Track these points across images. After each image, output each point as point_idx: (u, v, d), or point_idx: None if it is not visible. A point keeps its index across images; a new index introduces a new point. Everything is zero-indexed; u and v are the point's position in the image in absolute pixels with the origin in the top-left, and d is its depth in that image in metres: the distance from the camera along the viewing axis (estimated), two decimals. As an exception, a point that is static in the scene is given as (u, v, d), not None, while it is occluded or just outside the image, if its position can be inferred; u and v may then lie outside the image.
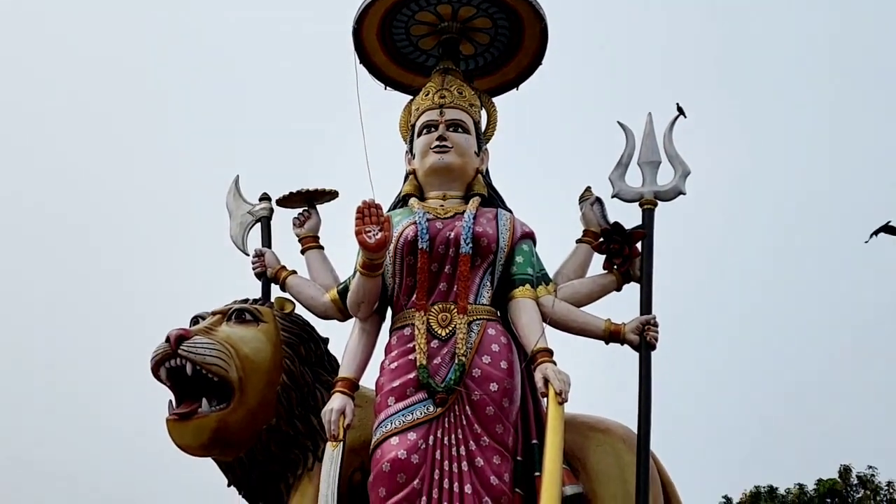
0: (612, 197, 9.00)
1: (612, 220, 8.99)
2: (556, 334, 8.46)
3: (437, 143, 8.82)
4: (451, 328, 8.25)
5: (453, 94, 9.13)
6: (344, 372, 8.43)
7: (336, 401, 8.05)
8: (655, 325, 8.33)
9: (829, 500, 19.83)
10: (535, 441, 8.10)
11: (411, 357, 8.15)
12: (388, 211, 8.67)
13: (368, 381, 8.57)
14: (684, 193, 8.82)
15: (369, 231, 7.88)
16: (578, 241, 9.24)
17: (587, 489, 8.14)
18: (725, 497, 22.08)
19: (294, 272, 9.29)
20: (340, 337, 8.87)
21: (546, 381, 7.73)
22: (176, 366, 7.85)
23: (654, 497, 8.09)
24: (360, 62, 9.85)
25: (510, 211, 9.09)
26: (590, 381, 8.84)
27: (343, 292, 8.77)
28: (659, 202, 8.77)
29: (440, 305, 8.39)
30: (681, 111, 9.01)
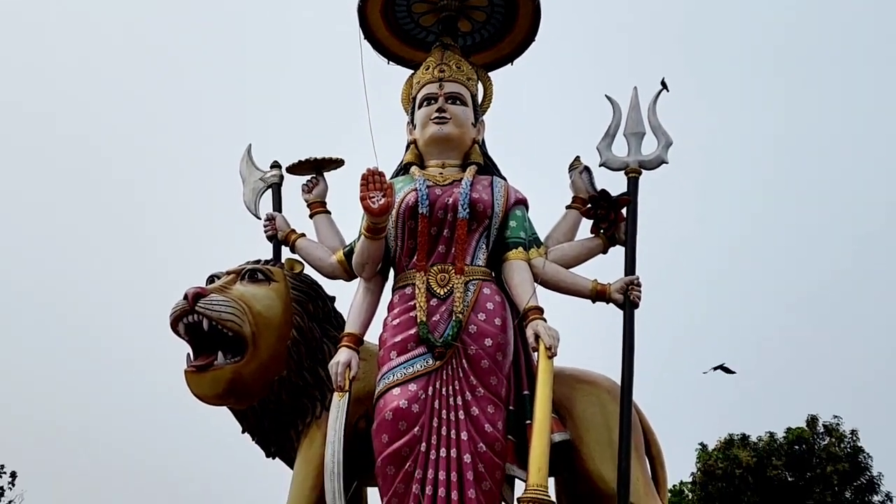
0: (600, 166, 8.95)
1: (599, 187, 8.93)
2: (546, 294, 8.42)
3: (436, 114, 8.76)
4: (449, 287, 8.22)
5: (452, 69, 9.05)
6: (349, 328, 8.39)
7: (342, 354, 8.03)
8: (638, 285, 8.31)
9: (796, 447, 19.88)
10: (526, 392, 8.11)
11: (412, 314, 8.12)
12: (391, 178, 8.57)
13: (372, 336, 8.52)
14: (667, 163, 8.80)
15: (373, 197, 7.84)
16: (568, 207, 9.17)
17: (574, 436, 8.14)
18: (701, 444, 22.15)
19: (303, 235, 9.22)
20: (346, 295, 8.84)
21: (537, 337, 7.74)
22: (193, 321, 7.81)
23: (636, 443, 8.10)
24: (365, 38, 9.73)
25: (504, 178, 9.00)
26: (577, 338, 8.78)
27: (349, 254, 8.71)
28: (643, 171, 8.73)
29: (439, 266, 8.34)
30: (664, 86, 8.97)
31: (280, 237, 9.26)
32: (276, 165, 9.78)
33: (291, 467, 8.37)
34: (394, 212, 8.28)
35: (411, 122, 9.22)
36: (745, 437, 21.68)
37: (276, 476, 8.66)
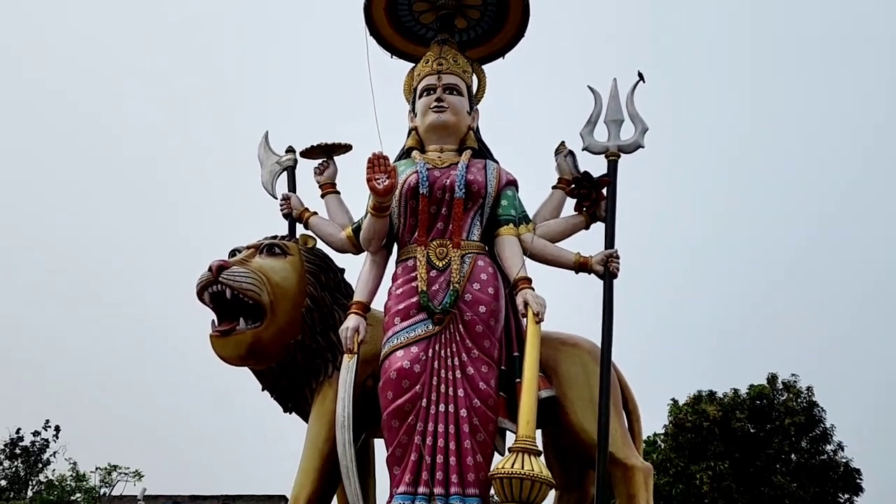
0: (583, 150, 8.92)
1: (582, 169, 8.96)
2: (534, 265, 8.44)
3: (435, 103, 8.75)
4: (446, 260, 8.25)
5: (449, 62, 9.01)
6: (357, 296, 8.45)
7: (351, 320, 8.10)
8: (617, 257, 8.31)
9: (758, 402, 20.01)
10: (516, 354, 8.17)
11: (414, 284, 8.15)
12: (394, 162, 8.58)
13: (378, 304, 8.56)
14: (643, 147, 8.78)
15: (378, 178, 7.88)
16: (554, 188, 9.20)
17: (559, 392, 8.20)
18: (672, 399, 22.26)
19: (315, 213, 9.23)
20: (354, 267, 8.88)
21: (526, 304, 7.81)
22: (217, 291, 7.82)
23: (614, 399, 8.14)
24: (370, 34, 9.73)
25: (497, 162, 9.00)
26: (562, 305, 8.83)
27: (357, 230, 8.70)
28: (622, 154, 8.70)
29: (438, 241, 8.36)
30: (641, 77, 8.95)
31: (294, 215, 9.27)
32: (290, 150, 9.78)
33: (306, 421, 8.42)
34: (397, 192, 8.28)
35: (412, 110, 9.18)
36: (712, 394, 21.81)
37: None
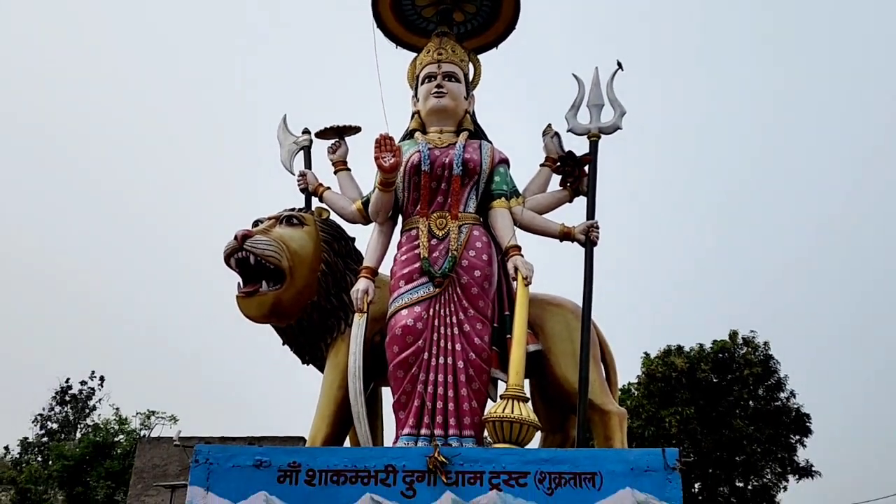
0: (567, 131, 8.90)
1: (566, 149, 8.92)
2: (523, 235, 8.45)
3: (435, 89, 8.73)
4: (446, 230, 8.26)
5: (448, 52, 8.97)
6: (367, 262, 8.47)
7: (361, 283, 8.13)
8: (597, 227, 8.32)
9: (721, 355, 20.18)
10: (507, 313, 8.20)
11: (417, 251, 8.17)
12: (399, 142, 8.58)
13: (385, 269, 8.57)
14: (621, 128, 8.79)
15: (385, 157, 7.93)
16: (541, 165, 9.16)
17: (544, 347, 8.25)
18: (645, 353, 22.42)
19: (328, 188, 9.23)
20: (363, 236, 8.87)
21: (516, 269, 7.86)
22: (242, 257, 7.85)
23: (593, 353, 8.19)
24: (377, 27, 9.64)
25: (490, 142, 8.97)
26: (549, 270, 8.86)
27: (366, 203, 8.73)
28: (602, 135, 8.70)
29: (438, 213, 8.37)
30: (620, 66, 8.94)
31: (310, 189, 9.27)
32: (306, 131, 9.76)
33: (322, 372, 8.46)
34: (401, 169, 8.29)
35: (415, 95, 9.13)
36: (679, 347, 21.86)
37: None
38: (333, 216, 8.96)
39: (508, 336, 7.87)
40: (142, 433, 25.74)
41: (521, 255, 8.10)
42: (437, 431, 7.58)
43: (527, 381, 7.85)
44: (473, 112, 9.24)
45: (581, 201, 8.70)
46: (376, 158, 8.01)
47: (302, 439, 8.56)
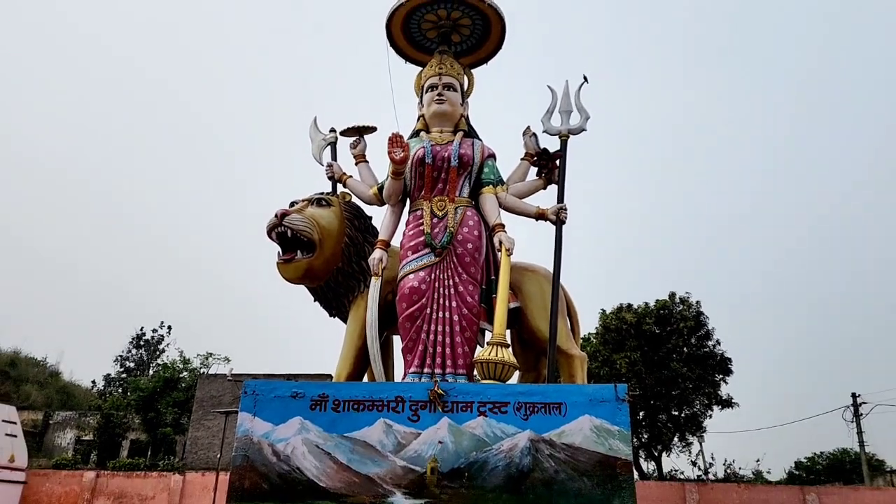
0: (542, 132, 8.86)
1: (542, 146, 8.89)
2: (508, 215, 8.45)
3: (437, 97, 8.72)
4: (444, 211, 8.25)
5: (447, 67, 8.94)
6: (381, 236, 8.46)
7: (377, 253, 8.15)
8: (565, 209, 8.31)
9: (662, 311, 20.28)
10: (493, 277, 8.21)
11: (421, 227, 8.17)
12: (407, 139, 8.54)
13: (395, 241, 8.56)
14: (586, 130, 8.75)
15: (395, 151, 7.93)
16: (521, 159, 9.12)
17: (522, 304, 8.29)
18: (602, 309, 22.59)
19: (350, 176, 9.18)
20: (379, 215, 8.87)
21: (500, 242, 7.90)
22: (281, 231, 7.87)
23: (561, 309, 8.24)
24: (390, 46, 9.62)
25: (481, 140, 8.92)
26: (527, 244, 8.86)
27: (380, 189, 8.70)
28: (570, 135, 8.66)
29: (438, 197, 8.35)
30: (585, 79, 8.87)
31: (336, 177, 9.20)
32: (332, 130, 9.67)
33: (346, 323, 8.50)
34: (409, 162, 8.29)
35: (420, 102, 9.07)
36: (629, 305, 21.91)
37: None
38: (354, 199, 8.94)
39: (494, 295, 7.90)
40: (201, 371, 25.88)
41: (505, 231, 8.12)
42: (437, 370, 7.64)
43: (508, 331, 7.87)
44: (468, 116, 9.17)
45: (553, 189, 8.67)
46: (389, 153, 7.99)
47: (329, 376, 8.61)
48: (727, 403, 20.97)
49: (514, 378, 7.69)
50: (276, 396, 7.05)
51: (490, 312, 7.93)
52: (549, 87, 8.98)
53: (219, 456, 17.39)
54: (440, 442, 6.64)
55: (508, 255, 7.83)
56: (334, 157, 9.51)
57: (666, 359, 20.34)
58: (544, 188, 8.88)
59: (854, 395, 24.00)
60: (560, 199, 8.38)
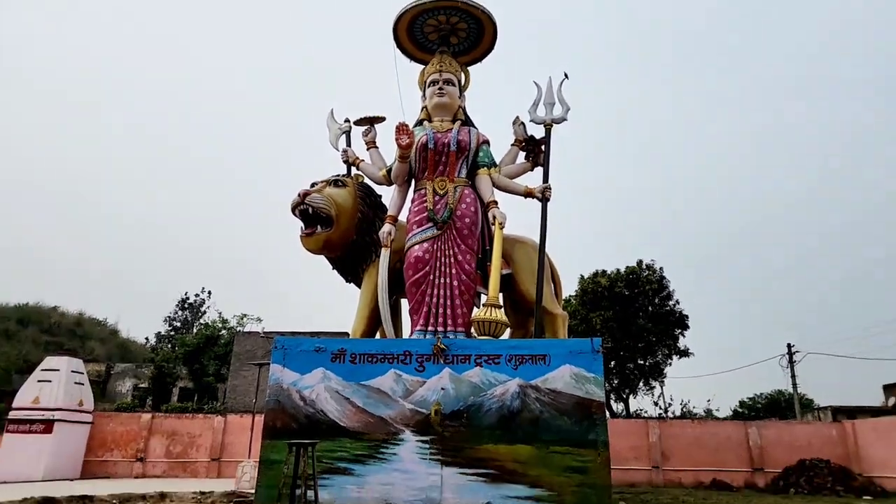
0: (530, 121, 8.68)
1: (529, 133, 8.76)
2: (500, 193, 8.32)
3: (437, 91, 8.62)
4: (445, 190, 8.17)
5: (447, 65, 8.81)
6: (390, 212, 8.35)
7: (386, 227, 8.06)
8: (549, 188, 8.17)
9: (630, 276, 20.17)
10: (487, 247, 8.15)
11: (425, 204, 8.10)
12: (413, 127, 8.38)
13: (402, 217, 8.46)
14: (567, 120, 8.60)
15: (402, 138, 7.81)
16: (511, 145, 8.97)
17: (513, 271, 8.24)
18: (581, 275, 22.62)
19: (363, 160, 9.07)
20: (388, 194, 8.75)
21: (494, 217, 7.85)
22: (303, 209, 7.81)
23: (546, 275, 8.14)
24: (397, 47, 9.42)
25: (476, 128, 8.80)
26: (517, 217, 8.77)
27: (389, 171, 8.57)
28: (554, 124, 8.52)
29: (440, 178, 8.25)
30: (566, 76, 8.72)
31: (350, 161, 9.06)
32: (347, 120, 9.52)
33: (359, 288, 8.46)
34: (414, 147, 8.17)
35: (423, 95, 8.94)
36: (604, 271, 21.90)
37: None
38: (366, 180, 8.82)
39: (488, 263, 7.83)
40: (237, 329, 25.99)
41: (497, 207, 8.05)
42: (439, 328, 7.63)
43: (501, 294, 7.81)
44: (464, 107, 9.03)
45: (539, 170, 8.54)
46: (396, 139, 7.85)
47: (346, 333, 8.62)
48: (684, 353, 21.08)
49: (506, 334, 7.67)
50: (301, 350, 7.04)
51: (485, 278, 7.85)
52: (534, 82, 8.79)
53: (254, 401, 17.54)
54: (442, 389, 6.66)
55: (501, 228, 7.75)
56: (348, 144, 9.37)
57: (634, 316, 20.40)
58: (531, 170, 8.75)
59: (789, 346, 24.15)
60: (545, 179, 8.26)
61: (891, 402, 20.88)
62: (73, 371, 14.71)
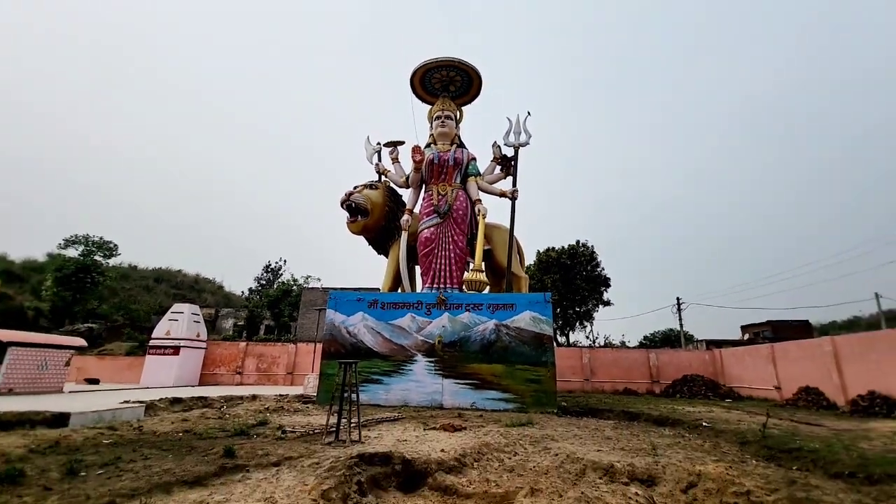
0: (504, 144, 8.52)
1: (503, 153, 8.58)
2: (483, 195, 8.18)
3: (441, 123, 8.47)
4: (445, 192, 8.08)
5: (447, 105, 8.66)
6: (408, 206, 8.24)
7: (405, 217, 7.98)
8: (517, 191, 8.07)
9: (571, 251, 20.12)
10: (474, 231, 8.03)
11: (432, 201, 8.01)
12: (424, 148, 8.26)
13: (417, 209, 8.34)
14: (529, 144, 8.44)
15: (416, 156, 7.76)
16: (491, 161, 8.80)
17: (492, 247, 8.20)
18: (538, 250, 22.53)
19: (390, 170, 8.94)
20: (406, 194, 8.59)
21: (479, 210, 7.78)
22: (348, 204, 7.76)
23: (514, 250, 8.10)
24: (413, 93, 9.19)
25: (467, 149, 8.65)
26: (497, 211, 8.66)
27: (408, 178, 8.48)
28: (521, 147, 8.35)
29: (442, 184, 8.16)
30: (529, 113, 8.56)
31: (380, 171, 8.92)
32: (378, 143, 9.35)
33: (387, 258, 8.43)
34: (424, 162, 8.07)
35: (431, 126, 8.76)
36: (553, 247, 21.89)
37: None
38: (391, 184, 8.70)
39: (475, 242, 7.81)
40: (304, 285, 26.04)
41: (481, 203, 7.97)
42: (441, 285, 7.66)
43: (483, 263, 7.85)
44: (459, 134, 8.85)
45: (510, 179, 8.39)
46: (412, 157, 7.79)
47: (377, 289, 8.64)
48: (607, 303, 21.22)
49: (486, 290, 7.71)
50: (347, 300, 7.06)
51: (472, 252, 7.84)
52: (507, 117, 8.63)
53: (315, 334, 17.68)
54: (443, 326, 6.75)
55: (483, 218, 7.71)
56: (379, 159, 9.24)
57: (573, 279, 20.48)
58: (504, 178, 8.61)
59: (678, 298, 24.27)
60: (514, 184, 8.16)
61: (745, 336, 21.11)
62: (192, 313, 14.79)
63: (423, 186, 8.51)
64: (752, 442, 4.02)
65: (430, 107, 9.12)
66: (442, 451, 3.27)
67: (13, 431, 4.03)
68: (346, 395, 5.50)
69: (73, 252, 20.01)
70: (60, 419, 4.68)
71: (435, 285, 7.67)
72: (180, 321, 14.68)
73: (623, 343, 25.45)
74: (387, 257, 8.50)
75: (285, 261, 35.56)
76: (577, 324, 21.74)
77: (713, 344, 19.07)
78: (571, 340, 23.10)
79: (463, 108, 9.34)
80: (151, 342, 14.53)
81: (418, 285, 8.63)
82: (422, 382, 6.57)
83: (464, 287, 7.55)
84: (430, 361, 6.64)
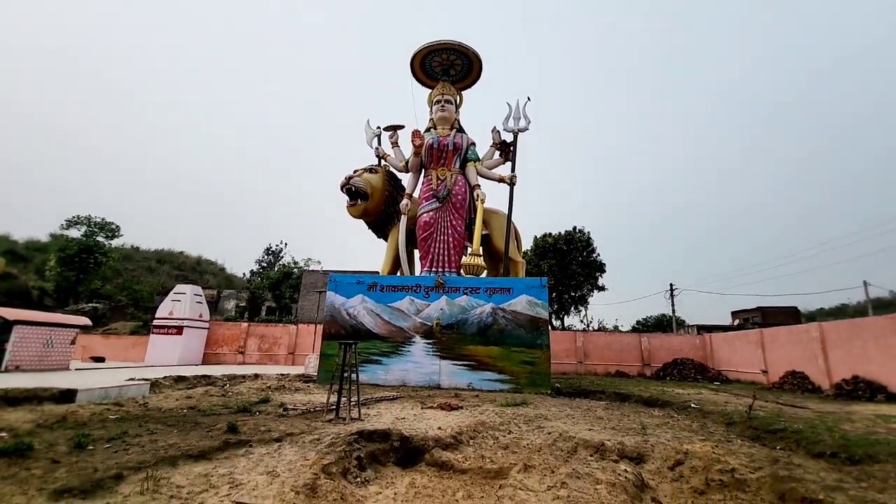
0: (503, 130, 8.39)
1: (503, 138, 8.46)
2: (482, 180, 8.11)
3: (441, 107, 8.34)
4: (444, 176, 8.00)
5: (447, 89, 8.51)
6: (407, 191, 8.19)
7: (404, 201, 7.92)
8: (515, 177, 8.00)
9: (568, 237, 20.00)
10: (472, 216, 7.96)
11: (431, 186, 7.93)
12: (423, 132, 8.13)
13: (416, 194, 8.27)
14: (528, 130, 8.31)
15: (415, 140, 7.66)
16: (490, 146, 8.69)
17: (489, 231, 8.18)
18: (535, 235, 22.47)
19: (389, 154, 8.82)
20: (406, 178, 8.51)
21: (477, 195, 7.73)
22: (348, 187, 7.68)
23: (512, 235, 8.10)
24: (413, 76, 8.99)
25: (467, 134, 8.54)
26: (496, 197, 8.61)
27: (407, 162, 8.39)
28: (520, 132, 8.23)
29: (441, 168, 8.07)
30: (528, 98, 8.41)
31: (380, 155, 8.81)
32: (378, 127, 9.21)
33: (387, 242, 8.40)
34: (424, 146, 7.98)
35: (431, 111, 8.62)
36: (550, 233, 21.85)
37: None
38: (391, 168, 8.62)
39: (473, 226, 7.78)
40: (305, 267, 26.02)
41: (480, 188, 7.91)
42: (440, 269, 7.66)
43: (481, 248, 7.82)
44: (459, 119, 8.73)
45: (509, 164, 8.34)
46: (412, 141, 7.69)
47: (377, 272, 8.63)
48: (601, 288, 21.32)
49: (484, 274, 7.72)
50: (347, 282, 7.07)
51: (471, 236, 7.81)
52: (507, 102, 8.59)
53: (316, 316, 17.76)
54: (441, 309, 6.79)
55: (482, 203, 7.67)
56: (379, 143, 9.12)
57: (569, 264, 20.52)
58: (503, 164, 8.54)
59: (671, 285, 24.43)
60: (512, 170, 8.09)
61: (736, 322, 21.35)
62: (195, 294, 14.83)
63: (423, 171, 8.41)
64: (738, 423, 4.11)
65: (430, 91, 8.95)
66: (439, 428, 3.32)
67: (21, 407, 4.08)
68: (346, 374, 5.55)
69: (75, 233, 19.86)
70: (67, 395, 4.73)
71: (433, 269, 7.66)
72: (183, 301, 14.72)
73: (616, 327, 25.71)
74: (386, 241, 8.46)
75: (286, 244, 35.46)
76: (573, 308, 21.90)
77: (704, 329, 19.29)
78: (566, 324, 23.31)
79: (463, 92, 9.18)
80: (155, 322, 14.59)
81: (417, 269, 8.66)
82: (420, 363, 6.64)
83: (462, 271, 7.56)
84: (428, 343, 6.70)
